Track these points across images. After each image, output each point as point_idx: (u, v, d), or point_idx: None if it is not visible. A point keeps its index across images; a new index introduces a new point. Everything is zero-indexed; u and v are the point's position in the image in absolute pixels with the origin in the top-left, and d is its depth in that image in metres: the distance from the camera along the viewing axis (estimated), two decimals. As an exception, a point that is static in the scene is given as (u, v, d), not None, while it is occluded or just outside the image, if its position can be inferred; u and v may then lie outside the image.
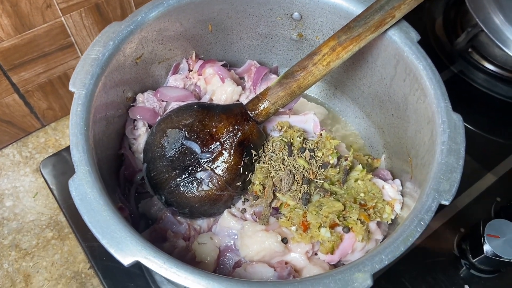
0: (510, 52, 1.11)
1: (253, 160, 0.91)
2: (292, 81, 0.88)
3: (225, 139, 0.88)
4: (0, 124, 1.22)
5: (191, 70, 1.09)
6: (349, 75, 1.09)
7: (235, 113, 0.91)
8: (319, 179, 0.89)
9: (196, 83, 1.08)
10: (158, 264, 0.64)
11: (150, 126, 1.01)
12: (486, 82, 1.30)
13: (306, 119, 1.00)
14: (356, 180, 0.90)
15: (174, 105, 1.02)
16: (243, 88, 1.08)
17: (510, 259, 0.94)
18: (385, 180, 0.94)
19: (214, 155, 0.88)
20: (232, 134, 0.88)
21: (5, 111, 1.19)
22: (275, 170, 0.90)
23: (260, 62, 1.16)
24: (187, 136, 0.89)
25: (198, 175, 0.87)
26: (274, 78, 1.10)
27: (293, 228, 0.84)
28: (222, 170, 0.87)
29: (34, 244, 1.16)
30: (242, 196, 0.92)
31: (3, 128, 1.23)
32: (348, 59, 1.03)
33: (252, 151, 0.90)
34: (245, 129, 0.89)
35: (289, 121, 0.98)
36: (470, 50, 1.33)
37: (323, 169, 0.90)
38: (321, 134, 0.96)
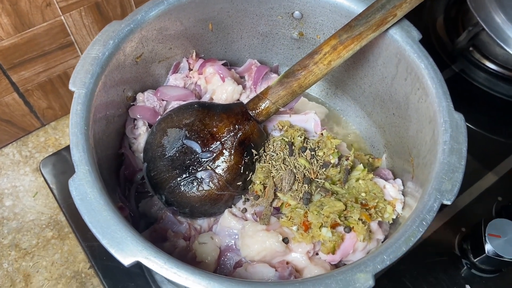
0: (511, 51, 1.11)
1: (254, 160, 0.90)
2: (293, 80, 0.87)
3: (225, 138, 0.88)
4: (0, 123, 1.22)
5: (192, 69, 1.08)
6: (350, 74, 1.08)
7: (236, 112, 0.91)
8: (320, 179, 0.89)
9: (196, 82, 1.07)
10: (159, 265, 0.64)
11: (150, 126, 1.01)
12: (487, 81, 1.30)
13: (307, 118, 0.99)
14: (357, 180, 0.89)
15: (174, 104, 1.02)
16: (244, 87, 1.08)
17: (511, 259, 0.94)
18: (386, 179, 0.94)
19: (214, 154, 0.87)
20: (232, 133, 0.88)
21: (5, 110, 1.19)
22: (276, 169, 0.90)
23: (261, 61, 1.15)
24: (188, 135, 0.88)
25: (199, 174, 0.87)
26: (274, 77, 1.10)
27: (294, 228, 0.84)
28: (223, 169, 0.87)
29: (34, 243, 1.16)
30: (243, 196, 0.92)
31: (2, 127, 1.23)
32: (349, 58, 1.02)
33: (253, 150, 0.90)
34: (246, 129, 0.89)
35: (290, 120, 0.98)
36: (471, 49, 1.33)
37: (324, 169, 0.90)
38: (322, 134, 0.96)
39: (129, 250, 0.65)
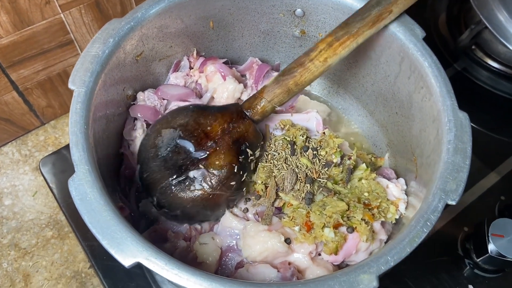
0: (514, 49, 1.11)
1: (250, 160, 0.89)
2: (288, 78, 0.86)
3: (219, 137, 0.87)
4: (-1, 122, 1.21)
5: (192, 68, 1.08)
6: (352, 73, 1.08)
7: (231, 111, 0.90)
8: (323, 178, 0.88)
9: (197, 81, 1.07)
10: (160, 266, 0.63)
11: (148, 126, 1.00)
12: (490, 79, 1.29)
13: (309, 117, 0.99)
14: (360, 179, 0.89)
15: (175, 103, 1.01)
16: (245, 86, 1.07)
17: (515, 259, 0.94)
18: (389, 179, 0.93)
19: (208, 153, 0.86)
20: (227, 132, 0.87)
21: (4, 109, 1.19)
22: (278, 169, 0.89)
23: (262, 59, 1.15)
24: (182, 135, 0.87)
25: (191, 173, 0.85)
26: (276, 76, 1.09)
27: (296, 228, 0.83)
28: (216, 168, 0.85)
29: (33, 243, 1.15)
30: (244, 196, 0.91)
31: (2, 126, 1.23)
32: (351, 56, 1.02)
33: (248, 150, 0.88)
34: (241, 128, 0.88)
35: (291, 119, 0.97)
36: (473, 47, 1.32)
37: (326, 168, 0.89)
38: (324, 133, 0.95)
39: (129, 251, 0.64)
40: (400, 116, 0.97)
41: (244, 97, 1.05)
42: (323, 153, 0.91)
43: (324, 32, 1.03)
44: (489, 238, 0.95)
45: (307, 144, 0.92)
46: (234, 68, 1.10)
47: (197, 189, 0.85)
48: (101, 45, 0.83)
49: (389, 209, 0.86)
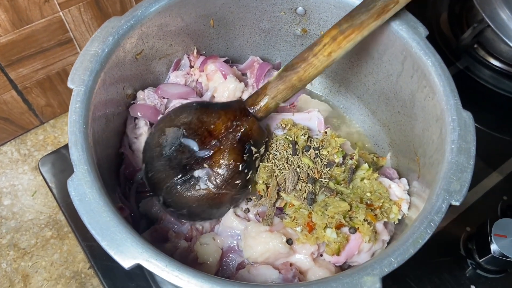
0: (517, 48, 1.10)
1: (254, 158, 0.88)
2: (292, 74, 0.84)
3: (223, 135, 0.85)
4: (-2, 121, 1.21)
5: (193, 67, 1.07)
6: (354, 72, 1.07)
7: (234, 109, 0.88)
8: (325, 179, 0.88)
9: (197, 80, 1.06)
10: (160, 267, 0.63)
11: (151, 125, 1.00)
12: (492, 78, 1.29)
13: (310, 116, 0.98)
14: (362, 179, 0.88)
15: (175, 102, 1.01)
16: (246, 85, 1.06)
17: (518, 259, 0.93)
18: (391, 179, 0.93)
19: (212, 152, 0.85)
20: (230, 130, 0.86)
21: (3, 108, 1.18)
22: (279, 169, 0.88)
23: (263, 58, 1.14)
24: (185, 134, 0.86)
25: (196, 173, 0.85)
26: (277, 75, 1.08)
27: (298, 228, 0.83)
28: (220, 167, 0.84)
29: (32, 243, 1.15)
30: (249, 194, 0.90)
31: (1, 126, 1.22)
32: (354, 55, 1.02)
33: (253, 148, 0.87)
34: (244, 125, 0.86)
35: (293, 118, 0.96)
36: (475, 46, 1.32)
37: (328, 168, 0.89)
38: (326, 132, 0.94)
39: (129, 252, 0.64)
40: (403, 115, 0.96)
41: (245, 96, 1.04)
42: (325, 152, 0.90)
43: (326, 30, 1.02)
44: (492, 238, 0.95)
45: (308, 143, 0.91)
46: (235, 67, 1.10)
47: (202, 189, 0.84)
48: (100, 44, 0.83)
49: (391, 209, 0.86)
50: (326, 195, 0.85)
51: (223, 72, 1.03)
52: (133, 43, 0.90)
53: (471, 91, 1.28)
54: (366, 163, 0.91)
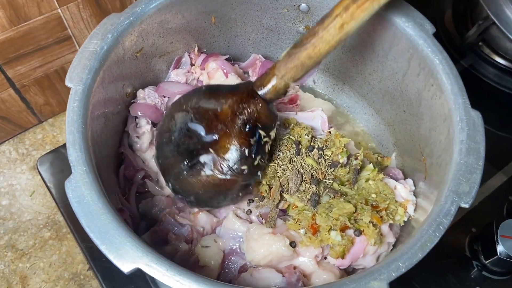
0: (522, 45, 1.09)
1: (263, 143, 0.84)
2: (301, 50, 0.77)
3: (229, 119, 0.82)
4: (-4, 120, 1.20)
5: (193, 65, 1.06)
6: (358, 70, 1.05)
7: (241, 91, 0.84)
8: (329, 179, 0.86)
9: (198, 78, 1.06)
10: (161, 272, 0.62)
11: (153, 124, 0.99)
12: (497, 76, 1.27)
13: (314, 115, 0.97)
14: (367, 180, 0.87)
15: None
16: (248, 83, 1.05)
17: (524, 261, 0.92)
18: (396, 179, 0.92)
19: (218, 137, 0.82)
20: (237, 113, 0.82)
21: (1, 106, 1.17)
22: (282, 169, 0.87)
23: (265, 56, 1.13)
24: (193, 118, 0.84)
25: (202, 158, 0.82)
26: (279, 73, 1.07)
27: (302, 231, 0.82)
28: (226, 152, 0.81)
29: (31, 244, 1.14)
30: (260, 178, 0.88)
31: (-2, 124, 1.21)
32: (358, 52, 1.00)
33: (261, 131, 0.83)
34: (251, 108, 0.82)
35: (296, 118, 0.95)
36: (480, 43, 1.30)
37: (332, 169, 0.87)
38: (329, 132, 0.93)
39: (128, 256, 0.63)
40: (408, 114, 0.95)
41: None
42: (329, 153, 0.88)
43: (329, 28, 1.01)
44: (498, 239, 0.94)
45: (312, 143, 0.90)
46: (236, 65, 1.09)
47: (207, 175, 0.82)
48: (99, 41, 0.82)
49: (397, 211, 0.84)
50: (330, 197, 0.83)
51: (225, 70, 1.02)
52: (133, 40, 0.89)
53: (475, 89, 1.26)
54: (371, 164, 0.90)
